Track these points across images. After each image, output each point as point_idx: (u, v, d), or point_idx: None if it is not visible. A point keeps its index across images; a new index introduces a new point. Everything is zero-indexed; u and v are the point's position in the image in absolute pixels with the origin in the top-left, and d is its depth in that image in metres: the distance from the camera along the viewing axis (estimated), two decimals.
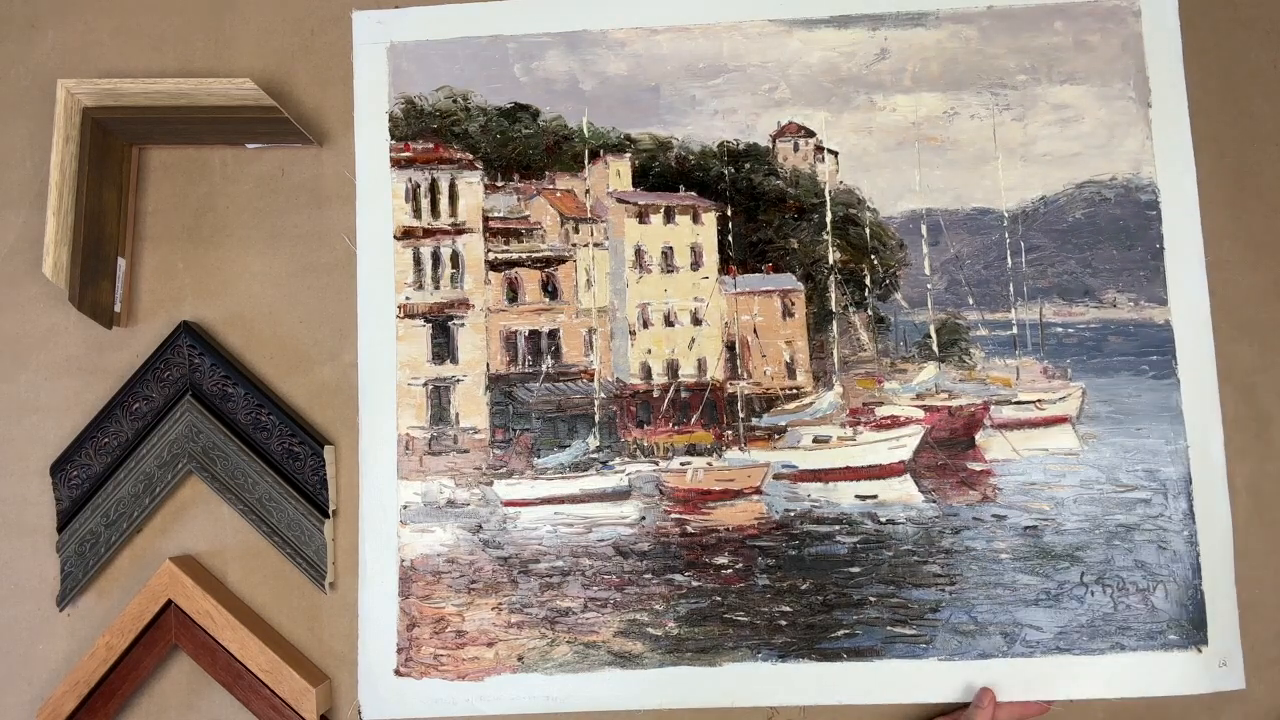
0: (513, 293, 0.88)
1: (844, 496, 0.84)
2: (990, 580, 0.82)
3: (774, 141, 0.88)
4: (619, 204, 0.89)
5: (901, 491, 0.84)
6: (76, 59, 0.91)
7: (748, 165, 0.88)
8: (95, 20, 0.92)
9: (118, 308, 0.87)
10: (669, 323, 0.88)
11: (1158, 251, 0.85)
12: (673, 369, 0.87)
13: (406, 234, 0.88)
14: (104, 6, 0.92)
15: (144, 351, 0.87)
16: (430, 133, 0.89)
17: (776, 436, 0.85)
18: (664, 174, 0.88)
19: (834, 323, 0.86)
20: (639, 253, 0.89)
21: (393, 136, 0.89)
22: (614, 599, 0.84)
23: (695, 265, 0.88)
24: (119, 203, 0.87)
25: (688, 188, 0.88)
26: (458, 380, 0.87)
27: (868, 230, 0.87)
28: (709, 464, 0.85)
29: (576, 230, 0.89)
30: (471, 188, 0.89)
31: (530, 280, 0.88)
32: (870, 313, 0.86)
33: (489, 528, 0.85)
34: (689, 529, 0.84)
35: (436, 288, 0.88)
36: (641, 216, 0.89)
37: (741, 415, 0.86)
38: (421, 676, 0.84)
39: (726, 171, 0.88)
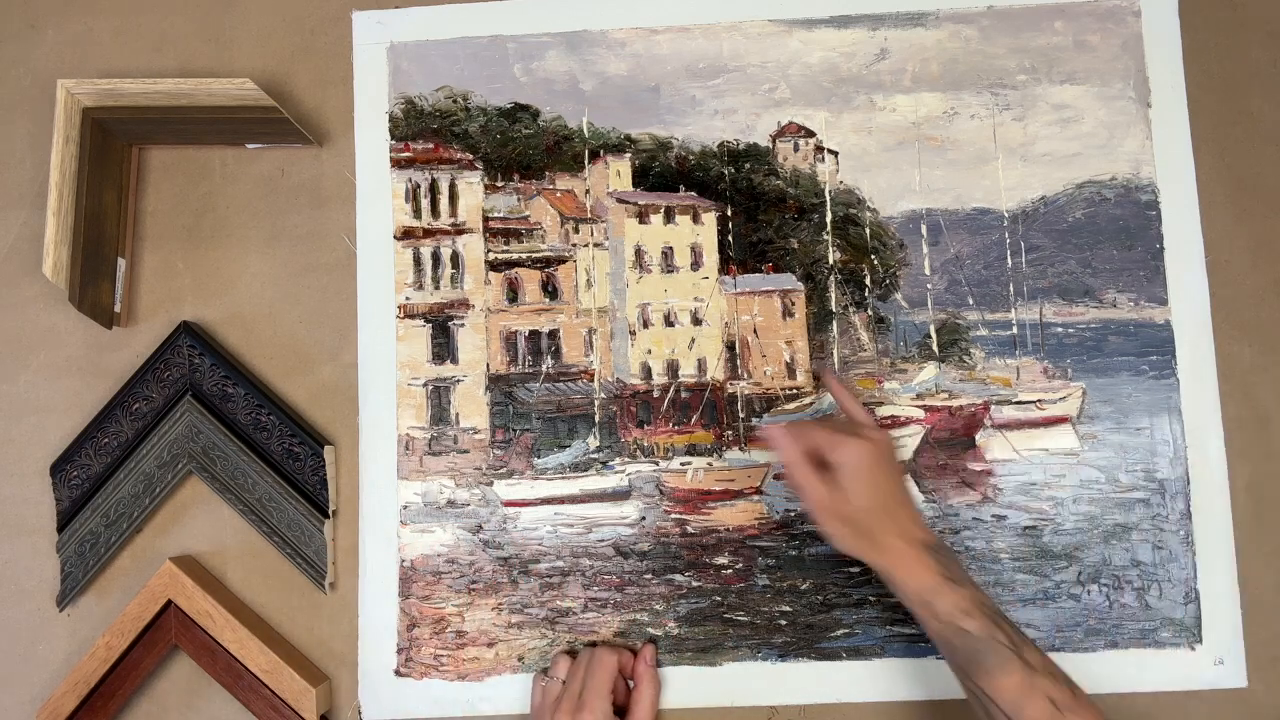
0: (513, 293, 0.88)
1: None
2: (989, 580, 0.82)
3: (774, 141, 0.88)
4: (619, 204, 0.89)
5: None
6: (76, 59, 0.91)
7: (748, 165, 0.88)
8: (95, 20, 0.92)
9: (118, 308, 0.87)
10: (669, 323, 0.88)
11: (1158, 251, 0.85)
12: (673, 369, 0.87)
13: (406, 234, 0.88)
14: (104, 6, 0.92)
15: (144, 351, 0.87)
16: (430, 133, 0.89)
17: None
18: (664, 174, 0.88)
19: (834, 323, 0.86)
20: (639, 253, 0.89)
21: (393, 136, 0.89)
22: (614, 599, 0.84)
23: (695, 265, 0.88)
24: (119, 203, 0.87)
25: (688, 188, 0.88)
26: (458, 380, 0.87)
27: (868, 230, 0.87)
28: (709, 464, 0.85)
29: (576, 230, 0.89)
30: (471, 188, 0.89)
31: (530, 280, 0.88)
32: (870, 313, 0.86)
33: (489, 528, 0.85)
34: (689, 529, 0.84)
35: (436, 288, 0.88)
36: (641, 216, 0.89)
37: (741, 415, 0.86)
38: (422, 677, 0.84)
39: (726, 171, 0.88)
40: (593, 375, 0.87)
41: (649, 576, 0.84)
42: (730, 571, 0.84)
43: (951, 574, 0.69)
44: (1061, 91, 0.87)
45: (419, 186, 0.89)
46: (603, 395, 0.87)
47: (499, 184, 0.89)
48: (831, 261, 0.87)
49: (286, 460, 0.85)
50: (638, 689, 0.79)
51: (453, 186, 0.89)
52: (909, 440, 0.85)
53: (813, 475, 0.71)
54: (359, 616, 0.85)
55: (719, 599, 0.83)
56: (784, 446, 0.73)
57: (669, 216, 0.89)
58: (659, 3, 0.89)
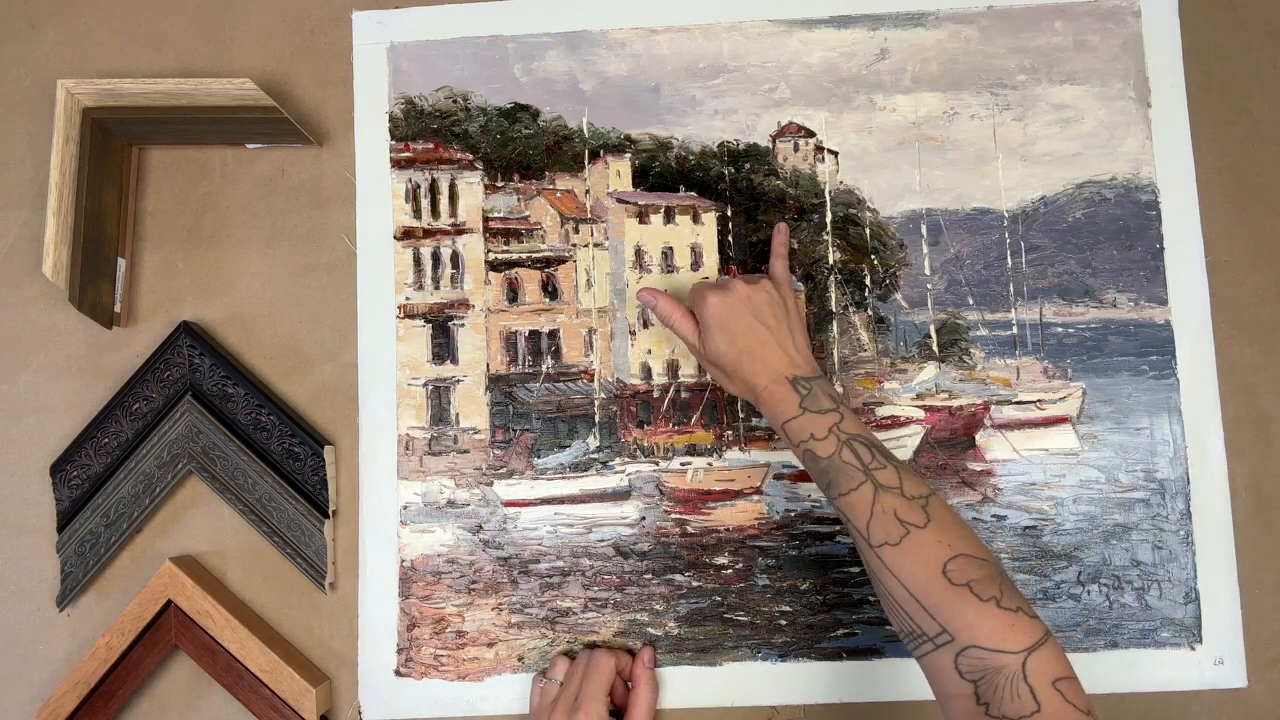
0: (513, 293, 0.88)
1: None
2: None
3: (774, 141, 0.88)
4: (619, 204, 0.89)
5: None
6: (76, 59, 0.91)
7: (748, 165, 0.88)
8: (95, 20, 0.92)
9: (118, 308, 0.87)
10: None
11: (1158, 251, 0.85)
12: (673, 369, 0.87)
13: (406, 234, 0.88)
14: (104, 6, 0.92)
15: (144, 351, 0.87)
16: (430, 133, 0.89)
17: (777, 436, 0.85)
18: (664, 174, 0.88)
19: (834, 323, 0.86)
20: (639, 253, 0.89)
21: (393, 137, 0.89)
22: (614, 599, 0.84)
23: (695, 265, 0.88)
24: (119, 203, 0.87)
25: (688, 188, 0.88)
26: (458, 380, 0.87)
27: (868, 230, 0.87)
28: (709, 464, 0.85)
29: (576, 230, 0.89)
30: (471, 188, 0.89)
31: (530, 280, 0.88)
32: (870, 313, 0.86)
33: (489, 528, 0.85)
34: (689, 529, 0.84)
35: (436, 288, 0.88)
36: (641, 217, 0.89)
37: (741, 415, 0.86)
38: (422, 677, 0.84)
39: (726, 171, 0.88)
40: (593, 375, 0.87)
41: (649, 576, 0.84)
42: (730, 571, 0.84)
43: (812, 404, 0.72)
44: (1061, 91, 0.87)
45: (419, 186, 0.89)
46: (603, 395, 0.87)
47: (499, 184, 0.89)
48: (831, 261, 0.87)
49: (286, 460, 0.85)
50: (635, 690, 0.79)
51: (453, 186, 0.89)
52: (909, 440, 0.85)
53: (688, 326, 0.78)
54: (359, 616, 0.85)
55: (719, 599, 0.83)
56: (659, 304, 0.80)
57: (669, 216, 0.89)
58: (659, 3, 0.89)
